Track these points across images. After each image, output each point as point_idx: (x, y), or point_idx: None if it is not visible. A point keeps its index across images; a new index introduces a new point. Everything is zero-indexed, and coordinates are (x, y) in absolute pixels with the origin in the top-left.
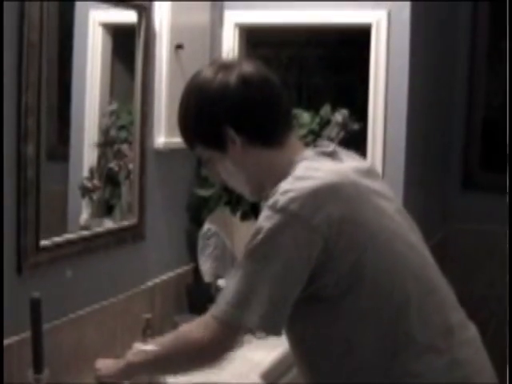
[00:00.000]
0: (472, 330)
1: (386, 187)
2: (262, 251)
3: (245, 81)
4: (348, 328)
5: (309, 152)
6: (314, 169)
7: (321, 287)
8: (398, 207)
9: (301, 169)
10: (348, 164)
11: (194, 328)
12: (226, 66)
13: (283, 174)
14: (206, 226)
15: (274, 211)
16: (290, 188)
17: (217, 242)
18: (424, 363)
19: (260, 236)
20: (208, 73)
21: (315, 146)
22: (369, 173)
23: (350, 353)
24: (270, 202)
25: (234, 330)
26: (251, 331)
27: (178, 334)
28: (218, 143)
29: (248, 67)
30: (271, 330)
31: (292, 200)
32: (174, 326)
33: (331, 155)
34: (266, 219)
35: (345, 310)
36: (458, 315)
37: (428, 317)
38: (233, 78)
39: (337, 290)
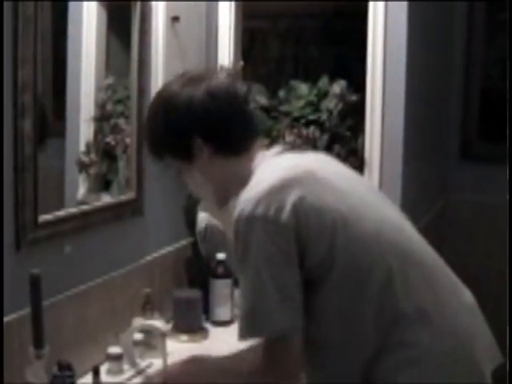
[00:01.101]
0: (468, 297)
1: (349, 170)
2: (248, 262)
3: (210, 94)
4: (335, 309)
5: (267, 153)
6: (270, 170)
7: (306, 271)
8: (368, 186)
9: (258, 173)
10: (306, 155)
11: (250, 363)
12: (193, 79)
13: (246, 180)
14: (200, 226)
15: (243, 221)
16: (250, 195)
17: (211, 236)
18: (417, 333)
19: (241, 248)
20: (176, 86)
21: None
22: (329, 160)
23: (342, 334)
24: (236, 213)
25: (277, 343)
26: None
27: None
28: (186, 154)
29: (215, 80)
30: (296, 324)
31: (255, 205)
32: (173, 300)
33: (290, 150)
34: (239, 231)
35: (331, 292)
36: (450, 283)
37: (415, 287)
38: (199, 91)
39: (320, 272)
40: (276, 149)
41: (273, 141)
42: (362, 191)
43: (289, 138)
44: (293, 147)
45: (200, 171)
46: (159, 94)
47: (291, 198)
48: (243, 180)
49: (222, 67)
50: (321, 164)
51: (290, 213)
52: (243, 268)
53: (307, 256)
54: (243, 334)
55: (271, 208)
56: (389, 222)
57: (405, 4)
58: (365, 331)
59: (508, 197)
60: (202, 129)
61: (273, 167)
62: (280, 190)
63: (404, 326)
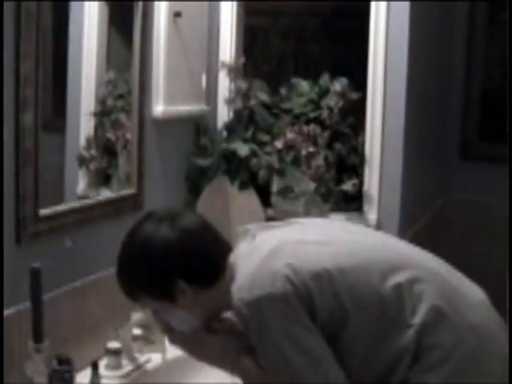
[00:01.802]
0: (478, 293)
1: (318, 219)
2: (269, 343)
3: (186, 233)
4: (363, 350)
5: (235, 253)
6: (249, 256)
7: (321, 328)
8: (340, 225)
9: (239, 265)
10: (273, 230)
11: None
12: (164, 220)
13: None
14: None
15: (246, 308)
16: (242, 282)
17: None
18: (439, 334)
19: (256, 333)
20: (148, 229)
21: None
22: (296, 221)
23: (374, 367)
24: (235, 304)
25: None
26: None
27: None
28: (167, 295)
29: (186, 219)
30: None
31: (250, 288)
32: None
33: (252, 239)
34: (246, 318)
35: (354, 338)
36: (458, 282)
37: (427, 293)
38: (174, 232)
39: (335, 323)
40: (243, 241)
41: (274, 138)
42: (339, 233)
43: (290, 135)
44: (255, 232)
45: (184, 308)
46: (131, 238)
47: (279, 266)
48: (227, 297)
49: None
50: (289, 229)
51: (283, 280)
52: (264, 351)
53: (316, 313)
54: None
55: (264, 284)
56: (375, 248)
57: (407, 3)
58: (394, 352)
59: (508, 197)
60: (182, 271)
61: (249, 253)
62: (264, 265)
63: (428, 332)
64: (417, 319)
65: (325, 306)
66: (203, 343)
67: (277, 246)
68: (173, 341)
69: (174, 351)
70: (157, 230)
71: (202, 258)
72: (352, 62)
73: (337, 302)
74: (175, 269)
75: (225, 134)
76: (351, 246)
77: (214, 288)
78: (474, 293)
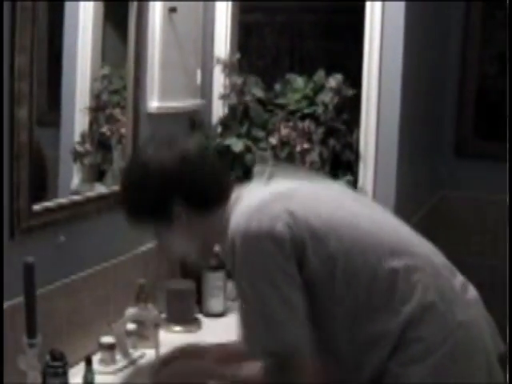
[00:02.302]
0: (471, 290)
1: (332, 183)
2: (249, 279)
3: (184, 157)
4: (344, 316)
5: (244, 189)
6: (257, 192)
7: (306, 282)
8: (353, 195)
9: (245, 197)
10: (287, 179)
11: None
12: (164, 145)
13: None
14: None
15: (239, 238)
16: (242, 212)
17: None
18: (427, 328)
19: (240, 265)
20: (148, 153)
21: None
22: (312, 177)
23: (353, 339)
24: (231, 231)
25: (291, 358)
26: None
27: None
28: (165, 218)
29: (185, 144)
30: (305, 336)
31: (248, 220)
32: (167, 291)
33: (267, 181)
34: (236, 248)
35: (338, 300)
36: (453, 277)
37: (421, 284)
38: (172, 156)
39: (322, 279)
40: (257, 179)
41: (268, 134)
42: (351, 201)
43: (284, 131)
44: (271, 175)
45: (181, 233)
46: (132, 162)
47: (282, 212)
48: (226, 228)
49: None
50: (305, 181)
51: (283, 225)
52: (244, 286)
53: (305, 266)
54: (251, 353)
55: (264, 222)
56: (381, 226)
57: (402, 2)
58: (376, 334)
59: (508, 196)
60: (179, 194)
61: (257, 192)
62: (270, 204)
63: (415, 323)
64: (406, 308)
65: (315, 264)
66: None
67: (288, 191)
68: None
69: (167, 347)
70: (156, 153)
71: (198, 183)
72: (347, 59)
73: (328, 265)
74: (172, 191)
75: (219, 129)
76: (359, 219)
77: (212, 215)
78: (466, 289)
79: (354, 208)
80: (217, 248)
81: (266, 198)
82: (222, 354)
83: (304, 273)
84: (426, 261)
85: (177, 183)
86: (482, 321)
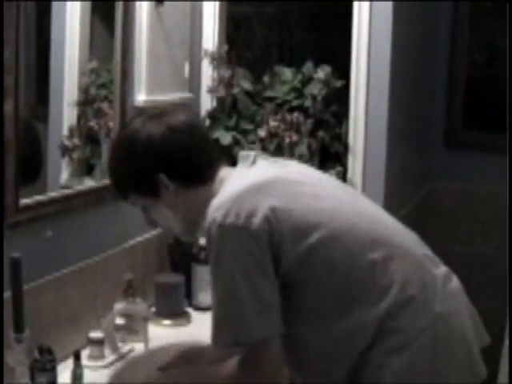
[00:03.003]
0: (454, 281)
1: (318, 172)
2: (223, 271)
3: (171, 129)
4: (320, 309)
5: (233, 169)
6: (239, 179)
7: (282, 275)
8: (337, 184)
9: (227, 183)
10: (273, 163)
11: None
12: (153, 117)
13: None
14: None
15: (215, 230)
16: (220, 203)
17: None
18: (406, 319)
19: (215, 257)
20: (136, 124)
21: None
22: (297, 165)
23: (330, 333)
24: (207, 222)
25: (255, 349)
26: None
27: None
28: (151, 190)
29: (173, 116)
30: (276, 329)
31: (226, 213)
32: (155, 285)
33: (252, 164)
34: (211, 240)
35: (314, 293)
36: (435, 268)
37: (400, 275)
38: (160, 127)
39: (299, 274)
40: (242, 164)
41: (257, 126)
42: (333, 190)
43: (273, 123)
44: (255, 159)
45: (167, 206)
46: (120, 134)
47: (261, 205)
48: (207, 207)
49: (207, 52)
50: (289, 169)
51: (261, 219)
52: (217, 276)
53: (282, 259)
54: (220, 343)
55: (241, 215)
56: (363, 216)
57: None
58: (354, 326)
59: (508, 188)
60: (165, 165)
61: (241, 177)
62: (249, 196)
63: (394, 315)
64: (385, 301)
65: (292, 256)
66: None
67: (269, 181)
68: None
69: (156, 340)
70: (143, 125)
71: (183, 156)
72: (336, 50)
73: (306, 256)
74: (158, 163)
75: (208, 122)
76: (340, 208)
77: (197, 191)
78: (448, 280)
79: (336, 197)
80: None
81: (246, 187)
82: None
83: (280, 266)
84: (407, 251)
85: (162, 155)
86: (464, 312)
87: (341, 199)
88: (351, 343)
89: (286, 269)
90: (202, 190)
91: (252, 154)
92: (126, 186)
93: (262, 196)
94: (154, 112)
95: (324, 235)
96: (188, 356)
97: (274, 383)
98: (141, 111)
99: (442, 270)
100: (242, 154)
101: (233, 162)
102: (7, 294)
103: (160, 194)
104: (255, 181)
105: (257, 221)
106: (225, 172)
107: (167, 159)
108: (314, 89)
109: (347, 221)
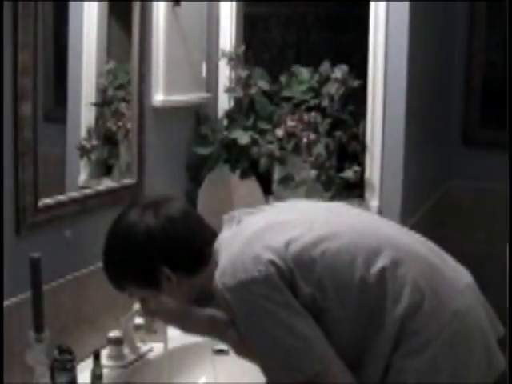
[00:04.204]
0: (466, 277)
1: (301, 200)
2: (255, 327)
3: (169, 221)
4: (346, 333)
5: (221, 238)
6: (231, 241)
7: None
8: (325, 207)
9: (223, 251)
10: (254, 214)
11: None
12: (148, 208)
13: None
14: None
15: (230, 293)
16: (224, 267)
17: None
18: (421, 320)
19: (241, 318)
20: (132, 216)
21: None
22: (278, 204)
23: (359, 341)
24: (219, 289)
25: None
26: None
27: None
28: (153, 283)
29: (169, 206)
30: (326, 355)
31: (233, 272)
32: None
33: (238, 223)
34: (231, 303)
35: (336, 320)
36: (445, 266)
37: (410, 278)
38: (158, 220)
39: (316, 305)
40: (228, 227)
41: (274, 126)
42: (323, 213)
43: (290, 123)
44: (240, 217)
45: (170, 295)
46: (116, 226)
47: (262, 251)
48: (213, 279)
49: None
50: (275, 213)
51: (266, 264)
52: (253, 337)
53: (299, 295)
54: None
55: (248, 268)
56: (360, 230)
57: None
58: (374, 334)
59: (509, 188)
60: (167, 258)
61: (232, 238)
62: (247, 248)
63: (411, 316)
64: (400, 305)
65: (307, 290)
66: (189, 313)
67: (260, 229)
68: (158, 312)
69: (176, 340)
70: (141, 217)
71: (186, 246)
72: (353, 50)
73: (320, 287)
74: (159, 256)
75: (225, 122)
76: (335, 229)
77: (199, 274)
78: (459, 276)
79: (330, 220)
80: None
81: (241, 244)
82: None
83: (299, 300)
84: (410, 252)
85: (164, 248)
86: (479, 307)
87: (333, 221)
88: (379, 353)
89: (303, 302)
90: (203, 271)
91: (235, 214)
92: (124, 278)
93: (260, 243)
94: (148, 202)
95: (328, 263)
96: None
97: None
98: (132, 202)
99: (451, 266)
100: (225, 217)
101: (251, 163)
102: (27, 294)
103: (162, 286)
104: (248, 235)
105: (263, 267)
106: (218, 242)
107: (169, 252)
108: (332, 88)
109: (346, 239)
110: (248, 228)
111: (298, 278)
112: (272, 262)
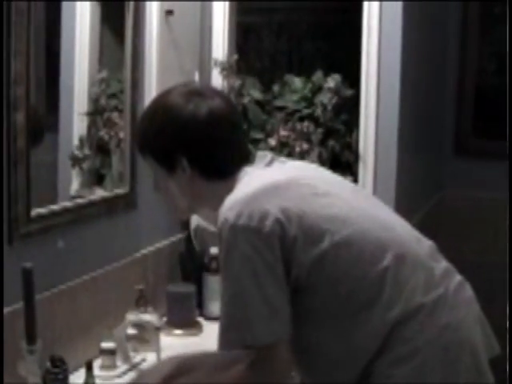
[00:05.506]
0: (466, 290)
1: (332, 175)
2: (233, 272)
3: (213, 117)
4: (331, 315)
5: (249, 169)
6: (252, 180)
7: (293, 279)
8: (352, 188)
9: (241, 184)
10: (288, 165)
11: (232, 371)
12: (194, 94)
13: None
14: (193, 223)
15: (227, 231)
16: (233, 204)
17: (202, 236)
18: (413, 329)
19: (226, 258)
20: (181, 97)
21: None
22: (311, 167)
23: (340, 339)
24: (220, 222)
25: (261, 352)
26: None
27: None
28: (169, 165)
29: (215, 100)
30: (283, 334)
31: (238, 214)
32: (167, 295)
33: (268, 165)
34: (223, 240)
35: (325, 299)
36: (446, 277)
37: (410, 284)
38: (203, 111)
39: (311, 278)
40: (258, 163)
41: (267, 135)
42: (346, 195)
43: (283, 132)
44: (272, 160)
45: (177, 185)
46: (162, 98)
47: (274, 207)
48: (223, 200)
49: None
50: (303, 172)
51: (273, 222)
52: (226, 277)
53: (294, 264)
54: (226, 344)
55: (254, 217)
56: (375, 221)
57: (400, 2)
58: (361, 335)
59: (509, 197)
60: (193, 151)
61: (255, 178)
62: (263, 198)
63: (403, 324)
64: (393, 311)
65: (304, 262)
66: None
67: (283, 183)
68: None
69: (168, 350)
70: (188, 101)
71: (212, 148)
72: (345, 59)
73: (317, 261)
74: (185, 144)
75: None
76: (353, 213)
77: (212, 184)
78: (460, 289)
79: (349, 202)
80: (216, 251)
81: (259, 189)
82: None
83: (291, 270)
84: (418, 259)
85: (192, 139)
86: (474, 322)
87: (353, 204)
88: (360, 349)
89: (297, 273)
90: (217, 184)
91: (269, 155)
92: (148, 149)
93: (276, 198)
94: (194, 87)
95: (336, 241)
96: (184, 368)
97: None
98: (187, 83)
99: (454, 278)
100: (259, 153)
101: None
102: (19, 305)
103: (175, 173)
104: (269, 182)
105: (269, 223)
106: (243, 171)
107: (195, 146)
108: (324, 98)
109: (359, 227)
110: (274, 176)
111: (300, 247)
112: (280, 223)
